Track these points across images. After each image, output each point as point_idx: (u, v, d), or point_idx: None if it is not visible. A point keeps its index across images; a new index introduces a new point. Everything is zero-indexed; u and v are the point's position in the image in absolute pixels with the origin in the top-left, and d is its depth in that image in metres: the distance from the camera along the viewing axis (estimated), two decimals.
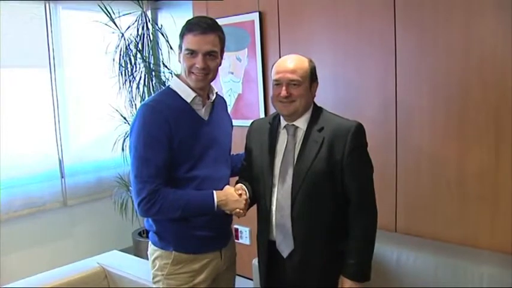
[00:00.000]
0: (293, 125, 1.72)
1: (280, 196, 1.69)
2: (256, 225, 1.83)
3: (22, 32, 3.29)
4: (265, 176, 1.73)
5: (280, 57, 2.84)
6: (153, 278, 1.79)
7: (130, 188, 3.45)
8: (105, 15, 3.29)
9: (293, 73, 1.65)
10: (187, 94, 1.70)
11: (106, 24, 3.29)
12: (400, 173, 2.46)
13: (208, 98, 1.79)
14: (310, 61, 1.72)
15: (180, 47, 1.70)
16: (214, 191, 1.68)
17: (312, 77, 1.70)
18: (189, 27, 1.65)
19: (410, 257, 2.19)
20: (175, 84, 1.74)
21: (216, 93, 1.82)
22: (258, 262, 1.84)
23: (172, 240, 1.73)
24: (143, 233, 3.65)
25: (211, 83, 1.79)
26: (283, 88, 1.65)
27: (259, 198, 1.78)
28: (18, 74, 3.31)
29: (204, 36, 1.62)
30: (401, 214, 2.48)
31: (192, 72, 1.67)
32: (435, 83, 2.31)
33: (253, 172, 1.79)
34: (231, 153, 1.95)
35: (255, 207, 1.83)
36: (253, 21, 2.97)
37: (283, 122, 1.74)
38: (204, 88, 1.74)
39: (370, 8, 2.48)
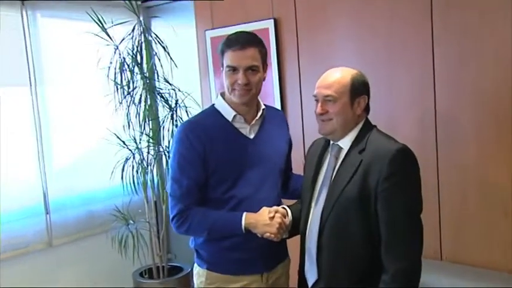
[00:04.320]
0: (337, 145, 1.71)
1: (312, 219, 1.70)
2: None
3: None
4: (306, 196, 1.77)
5: (299, 67, 2.93)
6: None
7: (130, 221, 3.40)
8: (95, 24, 3.13)
9: (328, 88, 1.64)
10: (228, 113, 1.83)
11: (97, 35, 3.16)
12: (444, 195, 2.42)
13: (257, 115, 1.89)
14: (357, 74, 1.69)
15: (222, 64, 1.80)
16: (245, 213, 1.77)
17: (355, 91, 1.66)
18: (228, 43, 1.77)
19: None
20: (218, 103, 1.87)
21: (264, 109, 1.91)
22: None
23: (206, 258, 1.88)
24: (145, 273, 3.48)
25: (260, 100, 1.92)
26: (319, 105, 1.67)
27: (301, 218, 1.80)
28: None
29: (244, 51, 1.74)
30: (447, 240, 2.43)
31: (235, 89, 1.78)
32: (481, 93, 2.28)
33: (302, 191, 1.84)
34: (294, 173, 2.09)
35: None
36: (267, 29, 2.94)
37: (331, 140, 1.75)
38: (248, 104, 1.83)
39: (403, 10, 2.47)
